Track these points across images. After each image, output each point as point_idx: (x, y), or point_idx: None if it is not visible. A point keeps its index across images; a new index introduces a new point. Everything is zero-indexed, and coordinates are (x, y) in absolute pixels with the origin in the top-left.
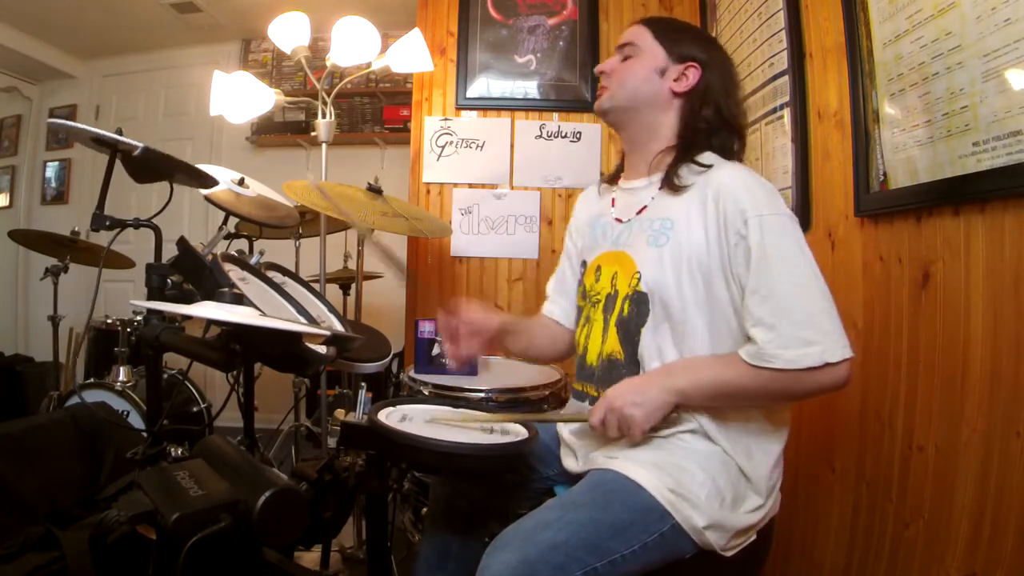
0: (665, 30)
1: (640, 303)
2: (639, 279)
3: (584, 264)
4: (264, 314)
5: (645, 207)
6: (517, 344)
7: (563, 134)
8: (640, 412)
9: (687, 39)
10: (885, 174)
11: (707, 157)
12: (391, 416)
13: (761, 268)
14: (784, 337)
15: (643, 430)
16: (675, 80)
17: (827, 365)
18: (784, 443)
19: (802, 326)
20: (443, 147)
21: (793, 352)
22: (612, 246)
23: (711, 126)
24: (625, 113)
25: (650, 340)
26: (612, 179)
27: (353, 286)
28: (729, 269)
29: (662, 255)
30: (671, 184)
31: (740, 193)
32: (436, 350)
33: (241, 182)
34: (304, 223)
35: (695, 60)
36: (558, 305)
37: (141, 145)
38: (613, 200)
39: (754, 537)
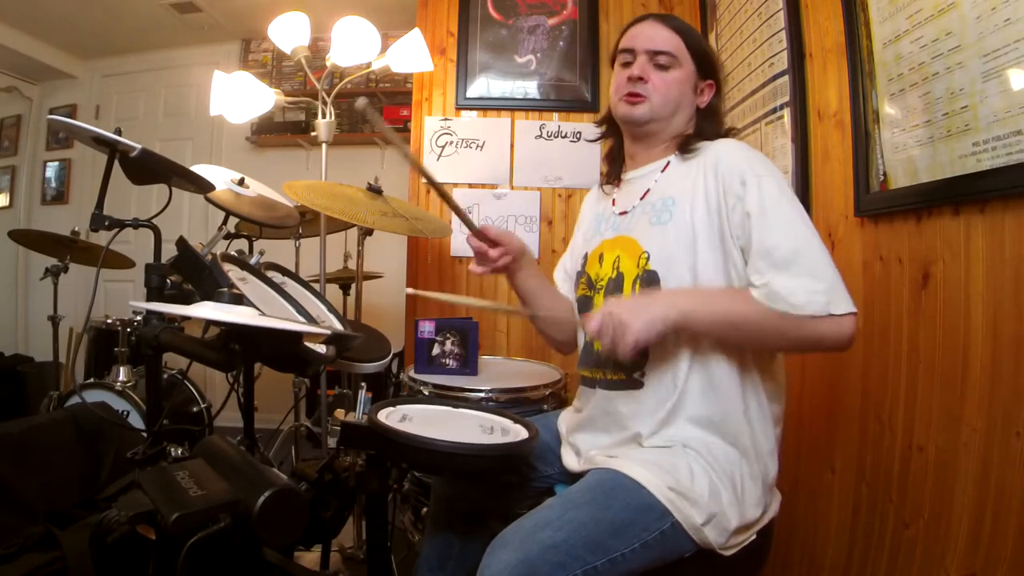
0: (695, 42)
1: (651, 282)
2: (647, 259)
3: (585, 256)
4: (264, 314)
5: (649, 190)
6: (528, 282)
7: (563, 134)
8: (639, 321)
9: (708, 53)
10: (885, 174)
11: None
12: (391, 416)
13: (763, 224)
14: (791, 284)
15: (637, 340)
16: (699, 95)
17: (831, 316)
18: (780, 433)
19: (808, 276)
20: (443, 147)
21: (800, 298)
22: (613, 233)
23: (717, 132)
24: (660, 123)
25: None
26: (611, 178)
27: (353, 286)
28: (728, 231)
29: (666, 232)
30: (684, 150)
31: (736, 159)
32: (436, 350)
33: (241, 182)
34: (304, 223)
35: (712, 78)
36: (564, 291)
37: (139, 147)
38: (614, 200)
39: (754, 537)
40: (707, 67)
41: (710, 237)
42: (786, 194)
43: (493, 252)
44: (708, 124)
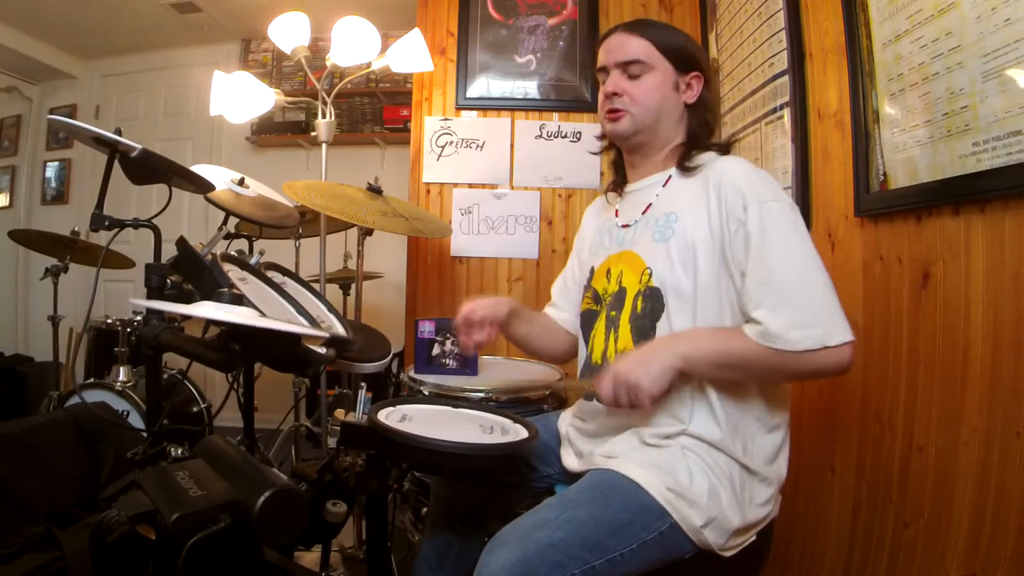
0: (667, 41)
1: (654, 299)
2: (650, 275)
3: (592, 270)
4: (263, 314)
5: (650, 204)
6: (519, 330)
7: (563, 134)
8: (646, 378)
9: (685, 46)
10: (885, 174)
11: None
12: (391, 416)
13: (761, 253)
14: (785, 319)
15: (651, 396)
16: (685, 92)
17: (826, 348)
18: (784, 437)
19: (802, 310)
20: (443, 147)
21: (794, 334)
22: (619, 247)
23: (711, 128)
24: (646, 134)
25: (666, 333)
26: (615, 187)
27: (353, 286)
28: (731, 257)
29: (669, 249)
30: (684, 168)
31: (740, 181)
32: (436, 350)
33: (241, 182)
34: (304, 223)
35: (697, 69)
36: (559, 308)
37: (139, 147)
38: (617, 211)
39: (754, 538)
40: (687, 61)
41: (711, 257)
42: (789, 219)
43: (484, 335)
44: (700, 119)
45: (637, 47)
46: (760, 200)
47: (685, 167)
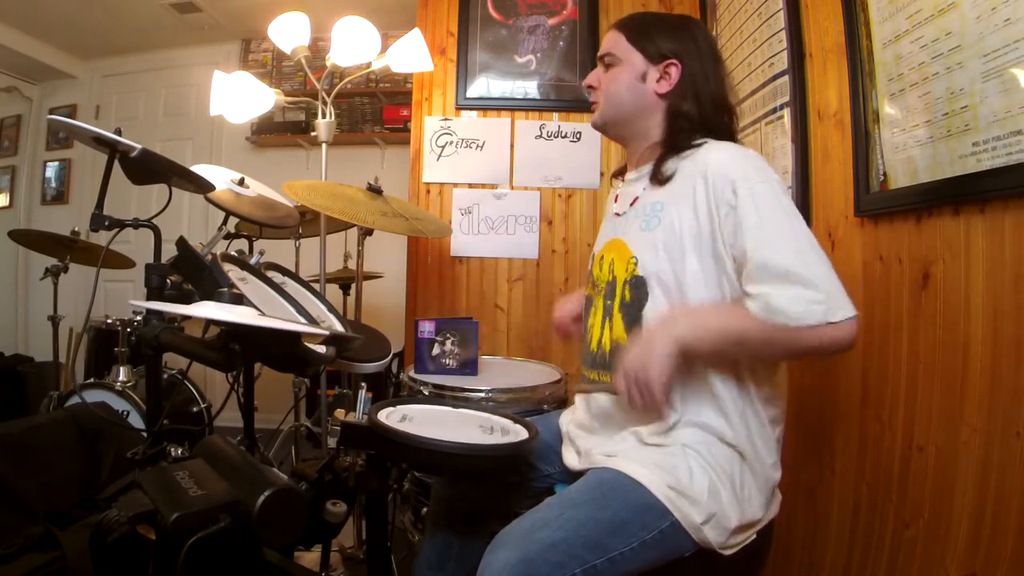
0: (637, 31)
1: (639, 287)
2: (636, 263)
3: (593, 257)
4: (263, 314)
5: (637, 198)
6: None
7: (563, 134)
8: (653, 369)
9: (660, 35)
10: (885, 174)
11: (697, 140)
12: (391, 416)
13: (757, 235)
14: (786, 295)
15: (662, 386)
16: (657, 81)
17: (829, 324)
18: (781, 433)
19: (804, 285)
20: (443, 147)
21: (796, 309)
22: (612, 235)
23: (694, 119)
24: (617, 126)
25: (654, 322)
26: (620, 174)
27: (353, 286)
28: (721, 240)
29: (655, 238)
30: (658, 178)
31: (728, 166)
32: (436, 350)
33: (241, 182)
34: (304, 223)
35: (673, 56)
36: None
37: (139, 147)
38: (616, 196)
39: (754, 537)
40: (658, 49)
41: (698, 245)
42: (780, 200)
43: (577, 329)
44: (676, 110)
45: (611, 40)
46: (749, 182)
47: (658, 178)
